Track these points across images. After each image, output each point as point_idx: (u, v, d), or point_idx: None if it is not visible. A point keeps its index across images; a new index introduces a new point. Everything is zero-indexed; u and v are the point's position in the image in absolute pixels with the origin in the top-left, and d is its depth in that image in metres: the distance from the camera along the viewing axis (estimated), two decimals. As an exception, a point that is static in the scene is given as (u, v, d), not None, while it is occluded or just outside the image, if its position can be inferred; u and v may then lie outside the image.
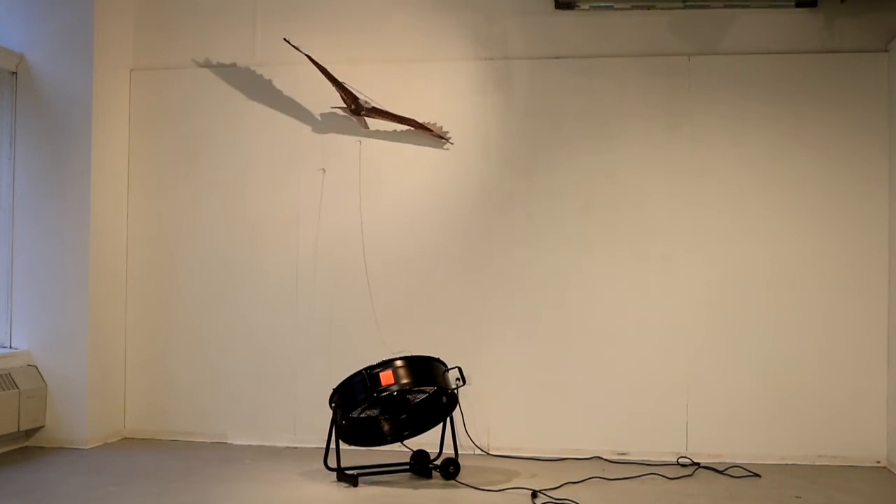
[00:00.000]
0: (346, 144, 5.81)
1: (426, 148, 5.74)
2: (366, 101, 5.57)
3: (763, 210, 5.46)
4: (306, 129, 5.86)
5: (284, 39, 5.52)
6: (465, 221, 5.71)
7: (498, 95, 5.71)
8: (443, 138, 5.65)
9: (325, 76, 5.52)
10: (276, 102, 5.79)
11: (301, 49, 5.51)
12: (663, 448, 5.44)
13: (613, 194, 5.58)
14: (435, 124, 5.65)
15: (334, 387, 4.86)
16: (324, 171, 5.72)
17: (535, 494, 4.56)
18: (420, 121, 5.64)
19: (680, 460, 5.36)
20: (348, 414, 4.89)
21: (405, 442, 5.13)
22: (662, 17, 5.61)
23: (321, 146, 5.83)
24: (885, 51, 5.40)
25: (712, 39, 5.57)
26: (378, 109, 5.60)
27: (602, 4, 5.57)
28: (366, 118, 5.66)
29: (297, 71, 5.77)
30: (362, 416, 5.01)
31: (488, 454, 5.52)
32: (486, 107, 5.72)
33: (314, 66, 5.51)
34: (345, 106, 5.59)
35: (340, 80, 5.52)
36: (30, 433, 5.65)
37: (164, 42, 6.08)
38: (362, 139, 5.78)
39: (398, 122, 5.64)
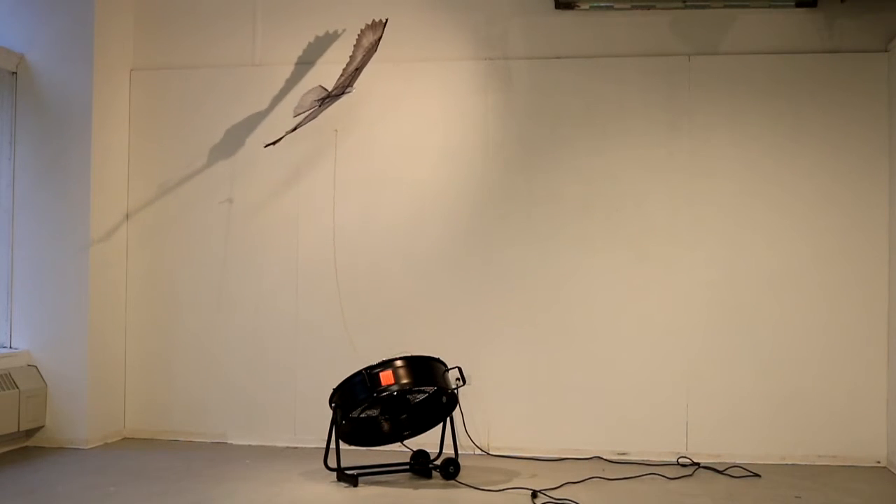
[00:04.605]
0: (345, 144, 5.81)
1: (425, 147, 5.74)
2: (333, 89, 5.43)
3: (763, 210, 5.46)
4: (306, 128, 5.85)
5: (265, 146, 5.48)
6: (465, 221, 5.70)
7: (498, 95, 5.71)
8: (382, 25, 5.32)
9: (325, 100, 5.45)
10: (275, 102, 5.78)
11: (282, 136, 5.45)
12: (663, 448, 5.44)
13: (613, 194, 5.58)
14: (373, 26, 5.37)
15: (334, 387, 4.86)
16: (336, 131, 5.69)
17: (535, 494, 4.56)
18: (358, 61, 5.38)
19: (680, 460, 5.36)
20: (348, 414, 4.89)
21: (405, 442, 5.12)
22: (662, 17, 5.61)
23: (321, 146, 5.84)
24: (885, 51, 5.40)
25: (712, 39, 5.57)
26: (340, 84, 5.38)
27: (602, 4, 5.57)
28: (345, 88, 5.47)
29: (296, 71, 5.78)
30: (362, 416, 5.01)
31: (488, 454, 5.52)
32: (486, 107, 5.72)
33: (312, 67, 5.48)
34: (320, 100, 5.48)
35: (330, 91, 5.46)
36: (30, 433, 5.65)
37: (164, 42, 6.08)
38: (357, 135, 5.80)
39: (359, 65, 5.37)
